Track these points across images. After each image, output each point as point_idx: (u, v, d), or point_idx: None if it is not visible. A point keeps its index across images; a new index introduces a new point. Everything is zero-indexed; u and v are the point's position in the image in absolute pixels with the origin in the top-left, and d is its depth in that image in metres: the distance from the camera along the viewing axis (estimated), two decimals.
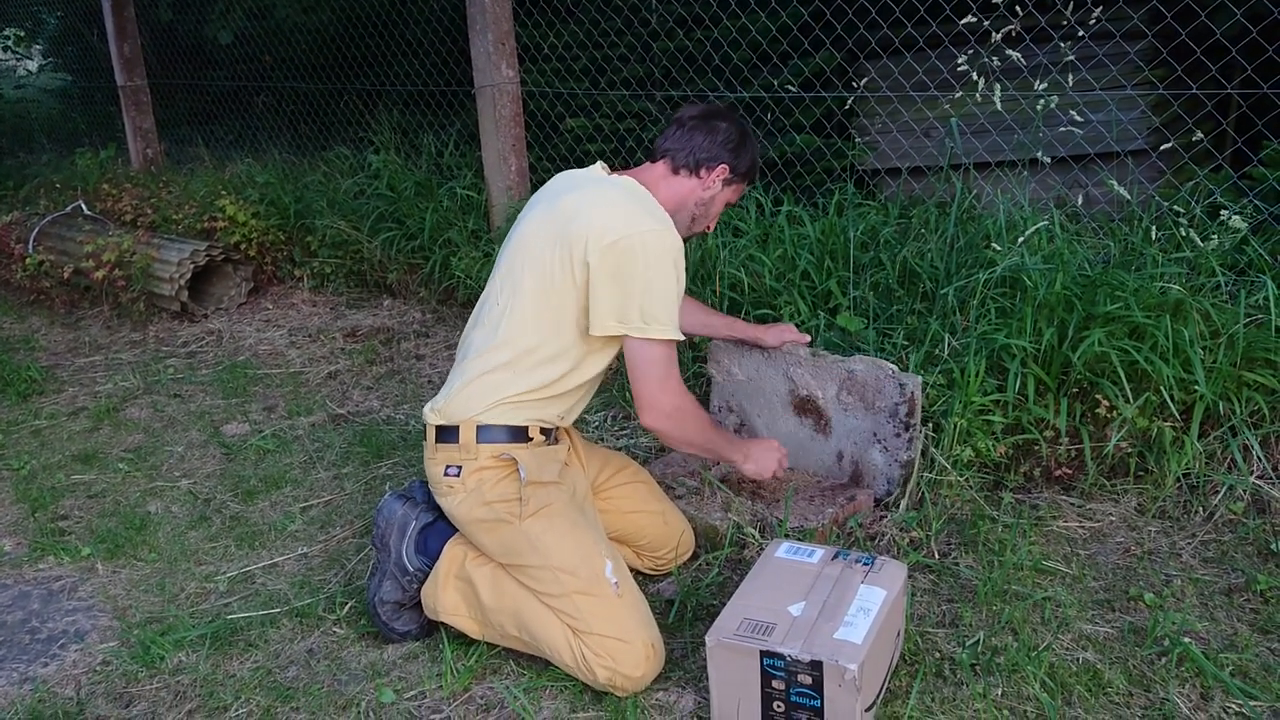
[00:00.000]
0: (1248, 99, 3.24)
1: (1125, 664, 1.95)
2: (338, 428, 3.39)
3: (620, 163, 4.25)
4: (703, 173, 2.15)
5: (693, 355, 3.19)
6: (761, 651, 1.74)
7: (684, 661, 2.05)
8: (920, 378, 2.45)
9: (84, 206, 5.41)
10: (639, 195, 2.08)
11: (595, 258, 1.95)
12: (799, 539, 2.26)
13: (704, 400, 2.89)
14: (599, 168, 2.20)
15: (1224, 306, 2.57)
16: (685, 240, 2.11)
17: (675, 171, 2.15)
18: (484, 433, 2.05)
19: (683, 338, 2.06)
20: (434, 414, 2.11)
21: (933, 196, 3.43)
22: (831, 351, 2.70)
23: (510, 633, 2.02)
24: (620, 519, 2.28)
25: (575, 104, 4.58)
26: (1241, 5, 2.91)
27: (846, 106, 3.83)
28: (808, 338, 2.61)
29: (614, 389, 3.38)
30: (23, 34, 10.16)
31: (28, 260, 4.98)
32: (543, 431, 2.11)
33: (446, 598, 2.08)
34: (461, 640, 2.13)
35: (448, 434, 2.07)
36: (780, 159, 3.97)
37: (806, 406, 2.64)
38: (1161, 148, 2.96)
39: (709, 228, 2.26)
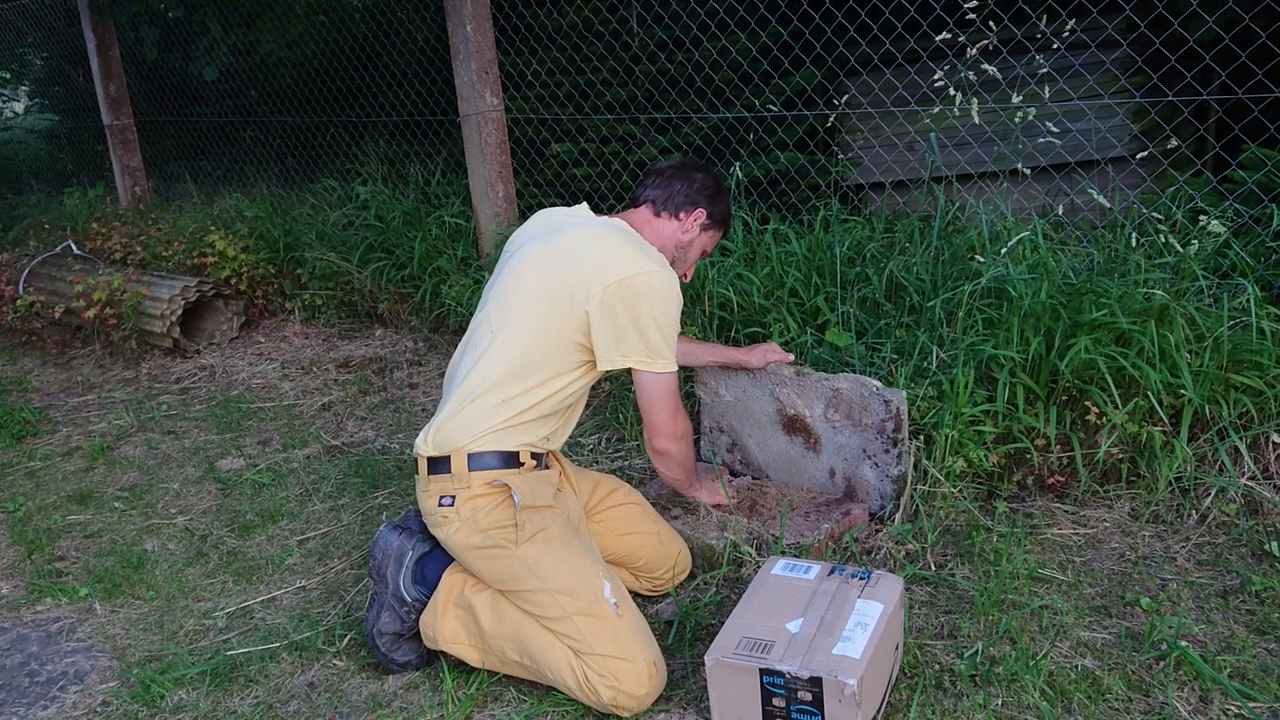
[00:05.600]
0: (1224, 104, 3.28)
1: (1124, 669, 1.96)
2: (333, 459, 3.40)
3: (608, 185, 4.29)
4: (682, 215, 2.28)
5: (684, 375, 3.20)
6: (761, 669, 1.74)
7: (685, 682, 2.05)
8: (905, 393, 2.46)
9: (73, 246, 5.43)
10: (632, 237, 2.17)
11: (602, 296, 2.03)
12: (795, 556, 2.27)
13: (694, 420, 2.90)
14: (585, 208, 2.29)
15: (1208, 310, 2.59)
16: None
17: (657, 214, 2.28)
18: (475, 460, 2.06)
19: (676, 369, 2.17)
20: (425, 445, 2.12)
21: (917, 210, 3.46)
22: (821, 367, 2.71)
23: (511, 658, 2.02)
24: (615, 541, 2.29)
25: (560, 129, 4.61)
26: (1213, 11, 2.95)
27: (829, 123, 3.86)
28: (791, 356, 2.63)
29: (607, 411, 3.39)
30: (8, 75, 10.20)
31: (18, 301, 4.98)
32: (533, 456, 2.13)
33: (446, 626, 2.08)
34: (462, 669, 2.13)
35: (439, 465, 2.09)
36: (765, 177, 4.01)
37: (795, 425, 2.65)
38: (1140, 155, 2.99)
39: (686, 275, 2.37)
